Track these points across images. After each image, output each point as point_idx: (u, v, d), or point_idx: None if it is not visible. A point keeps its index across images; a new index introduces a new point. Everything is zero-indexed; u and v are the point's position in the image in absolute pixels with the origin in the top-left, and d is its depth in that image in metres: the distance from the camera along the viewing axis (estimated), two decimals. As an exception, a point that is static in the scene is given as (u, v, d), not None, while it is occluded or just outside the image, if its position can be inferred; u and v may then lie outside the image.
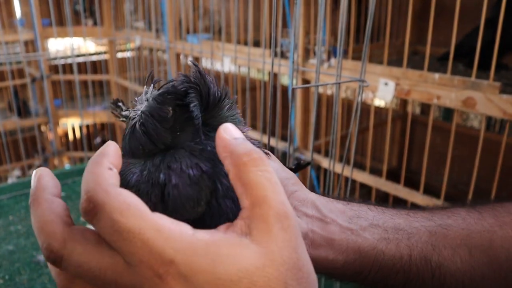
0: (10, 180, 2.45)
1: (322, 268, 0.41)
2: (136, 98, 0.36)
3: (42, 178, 0.30)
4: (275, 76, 2.29)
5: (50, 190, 0.30)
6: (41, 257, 1.16)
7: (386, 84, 1.35)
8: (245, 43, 1.97)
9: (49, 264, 0.29)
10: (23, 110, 3.05)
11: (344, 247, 0.40)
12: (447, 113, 2.38)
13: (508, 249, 0.43)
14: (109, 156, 0.29)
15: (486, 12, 1.21)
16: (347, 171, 1.45)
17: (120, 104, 0.41)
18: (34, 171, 0.31)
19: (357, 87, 0.84)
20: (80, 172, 1.69)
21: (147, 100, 0.34)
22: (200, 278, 0.25)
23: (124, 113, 0.41)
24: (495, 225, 0.45)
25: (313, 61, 1.62)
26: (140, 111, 0.33)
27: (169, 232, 0.26)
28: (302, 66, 1.64)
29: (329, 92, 2.49)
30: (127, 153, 0.33)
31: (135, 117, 0.34)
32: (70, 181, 1.65)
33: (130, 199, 0.26)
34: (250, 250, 0.26)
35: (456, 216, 0.45)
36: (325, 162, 1.71)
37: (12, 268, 1.13)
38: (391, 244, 0.41)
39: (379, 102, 2.37)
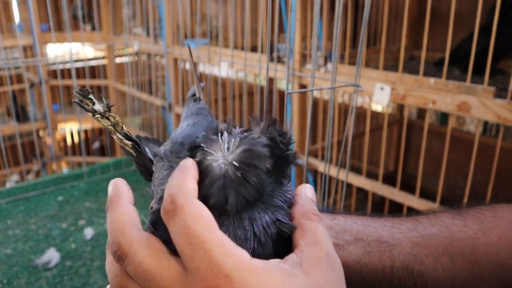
0: (8, 185, 2.44)
1: None
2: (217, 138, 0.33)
3: (120, 186, 0.33)
4: (271, 81, 2.30)
5: (126, 197, 0.33)
6: (39, 261, 1.17)
7: (382, 88, 1.36)
8: (242, 48, 1.99)
9: (110, 263, 0.31)
10: (21, 115, 3.06)
11: None
12: (444, 117, 2.39)
13: (490, 255, 0.45)
14: (192, 170, 0.31)
15: (481, 18, 1.23)
16: (343, 175, 1.46)
17: (91, 96, 0.41)
18: (111, 181, 0.34)
19: (353, 92, 0.85)
20: (78, 177, 1.70)
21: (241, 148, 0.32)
22: None
23: (96, 107, 0.41)
24: (479, 232, 0.46)
25: (309, 66, 1.63)
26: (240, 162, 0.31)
27: (230, 250, 0.27)
28: (299, 71, 1.65)
29: (326, 97, 2.50)
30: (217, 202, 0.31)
31: (224, 166, 0.31)
32: (68, 185, 1.65)
33: (205, 212, 0.29)
34: (300, 280, 0.28)
35: (440, 225, 0.46)
36: (322, 166, 1.72)
37: (10, 271, 1.13)
38: (374, 257, 0.44)
39: (375, 106, 2.38)
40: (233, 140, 0.32)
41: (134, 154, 0.43)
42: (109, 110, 0.42)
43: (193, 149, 0.33)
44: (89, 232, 1.30)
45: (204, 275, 0.27)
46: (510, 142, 2.03)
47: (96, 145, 3.80)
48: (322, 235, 0.31)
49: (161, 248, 0.30)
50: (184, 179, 0.30)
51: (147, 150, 0.44)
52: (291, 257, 0.30)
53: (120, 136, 0.42)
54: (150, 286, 0.29)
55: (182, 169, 0.31)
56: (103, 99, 0.42)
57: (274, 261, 0.30)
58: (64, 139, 3.69)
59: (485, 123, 2.26)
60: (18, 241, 1.28)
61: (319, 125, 1.92)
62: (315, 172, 1.85)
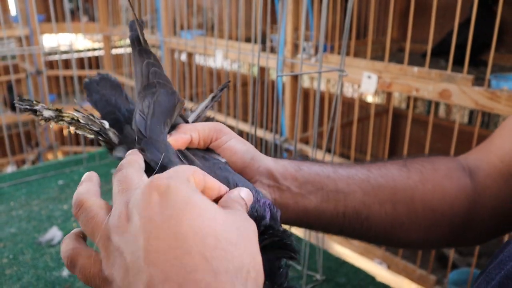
0: (9, 169, 2.50)
1: (280, 223, 0.52)
2: None
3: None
4: (264, 71, 2.35)
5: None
6: (42, 239, 1.23)
7: (369, 77, 1.43)
8: (237, 39, 2.04)
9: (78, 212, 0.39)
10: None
11: (295, 210, 0.52)
12: (430, 107, 2.47)
13: (425, 201, 0.55)
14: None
15: (467, 12, 1.30)
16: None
17: (37, 108, 0.41)
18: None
19: (338, 78, 0.91)
20: (77, 162, 1.76)
21: None
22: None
23: (46, 114, 0.41)
24: (419, 182, 0.56)
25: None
26: None
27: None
28: (291, 66, 1.72)
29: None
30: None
31: None
32: (68, 170, 1.71)
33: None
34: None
35: (388, 176, 0.56)
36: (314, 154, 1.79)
37: (15, 248, 1.19)
38: (331, 205, 0.53)
39: (365, 96, 2.45)
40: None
41: (101, 140, 0.45)
42: (61, 112, 0.43)
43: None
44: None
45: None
46: (493, 130, 2.11)
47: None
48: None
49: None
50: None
51: (110, 135, 0.45)
52: None
53: (83, 132, 0.44)
54: (92, 227, 0.36)
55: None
56: (49, 104, 0.44)
57: None
58: (61, 129, 3.73)
59: (471, 113, 2.34)
60: (22, 221, 1.34)
61: (311, 114, 1.99)
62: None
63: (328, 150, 1.05)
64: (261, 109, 2.29)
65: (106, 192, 1.37)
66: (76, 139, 3.73)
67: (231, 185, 0.39)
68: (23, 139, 3.03)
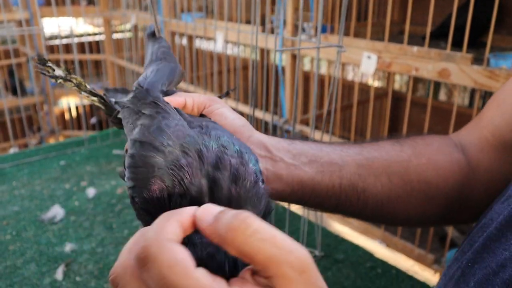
0: (12, 150, 2.52)
1: (275, 197, 0.51)
2: None
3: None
4: (264, 53, 2.35)
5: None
6: (45, 216, 1.24)
7: (369, 57, 1.43)
8: (237, 21, 2.04)
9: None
10: (19, 90, 3.10)
11: (290, 180, 0.50)
12: (433, 90, 2.47)
13: (420, 174, 0.55)
14: (181, 215, 0.30)
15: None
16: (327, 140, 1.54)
17: (49, 64, 0.44)
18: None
19: (337, 54, 0.92)
20: (79, 144, 1.77)
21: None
22: None
23: (57, 73, 0.44)
24: (412, 155, 0.55)
25: (302, 37, 1.69)
26: None
27: None
28: (291, 42, 1.71)
29: (319, 69, 2.56)
30: None
31: None
32: (69, 151, 1.72)
33: (181, 255, 0.28)
34: None
35: (381, 150, 0.55)
36: (314, 135, 1.80)
37: (18, 225, 1.21)
38: (326, 176, 0.51)
39: (365, 78, 2.45)
40: None
41: (102, 107, 0.46)
42: (69, 73, 0.45)
43: None
44: (91, 192, 1.38)
45: None
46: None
47: (93, 120, 3.85)
48: (267, 248, 0.27)
49: None
50: (163, 223, 0.29)
51: (112, 101, 0.47)
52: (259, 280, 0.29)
53: (86, 94, 0.45)
54: None
55: (167, 214, 0.30)
56: (61, 64, 0.47)
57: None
58: (62, 114, 3.74)
59: (471, 96, 2.34)
60: (24, 199, 1.35)
61: (311, 97, 1.99)
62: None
63: (328, 132, 1.06)
64: (261, 90, 2.29)
65: (108, 172, 1.41)
66: (77, 124, 3.74)
67: (223, 142, 0.38)
68: (25, 123, 3.05)
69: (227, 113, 0.50)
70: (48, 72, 0.44)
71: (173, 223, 0.29)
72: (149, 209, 0.36)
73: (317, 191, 0.51)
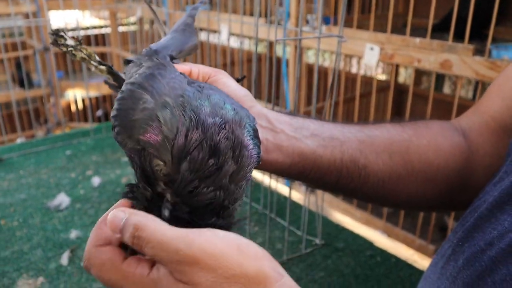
0: (19, 140, 2.55)
1: (274, 169, 0.51)
2: None
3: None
4: (270, 45, 2.36)
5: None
6: (51, 204, 1.27)
7: (372, 49, 1.44)
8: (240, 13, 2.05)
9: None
10: (27, 82, 3.14)
11: (290, 152, 0.49)
12: (437, 83, 2.46)
13: (421, 154, 0.55)
14: (100, 223, 0.37)
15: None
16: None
17: (62, 33, 0.46)
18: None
19: (337, 44, 0.92)
20: (84, 134, 1.79)
21: None
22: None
23: (68, 42, 0.46)
24: (413, 136, 0.56)
25: (305, 28, 1.70)
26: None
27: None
28: (294, 33, 1.72)
29: (323, 62, 2.57)
30: None
31: None
32: (75, 141, 1.75)
33: (105, 255, 0.35)
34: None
35: (382, 129, 0.56)
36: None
37: (25, 212, 1.24)
38: (327, 150, 0.51)
39: (373, 74, 2.44)
40: None
41: (110, 77, 0.48)
42: (80, 44, 0.47)
43: None
44: (96, 181, 1.40)
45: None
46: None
47: (99, 112, 3.89)
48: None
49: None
50: (92, 233, 0.37)
51: (119, 72, 0.48)
52: None
53: (95, 64, 0.47)
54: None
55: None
56: (74, 36, 0.49)
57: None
58: (69, 106, 3.77)
59: (475, 89, 2.33)
60: (31, 188, 1.38)
61: (314, 88, 2.00)
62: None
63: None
64: (264, 82, 2.30)
65: (113, 162, 1.43)
66: (84, 116, 3.77)
67: (216, 100, 0.38)
68: (32, 115, 3.08)
69: (230, 82, 0.50)
70: (61, 42, 0.45)
71: (96, 230, 0.36)
72: (124, 139, 0.36)
73: (318, 165, 0.51)
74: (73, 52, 0.46)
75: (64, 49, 0.46)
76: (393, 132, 0.55)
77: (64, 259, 1.03)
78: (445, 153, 0.56)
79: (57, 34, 0.45)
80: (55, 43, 0.46)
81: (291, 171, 0.51)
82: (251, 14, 2.11)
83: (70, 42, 0.46)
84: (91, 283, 0.96)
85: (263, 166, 0.49)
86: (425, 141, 0.55)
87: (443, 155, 0.56)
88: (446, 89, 2.48)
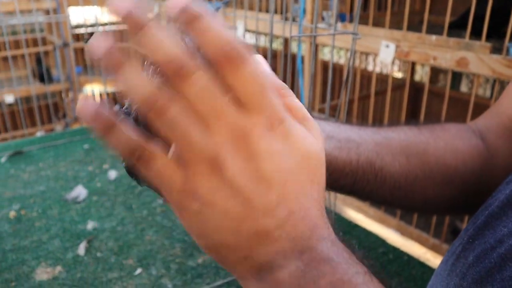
0: (39, 134, 2.61)
1: None
2: None
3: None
4: (286, 41, 2.36)
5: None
6: (69, 196, 1.30)
7: (387, 46, 1.43)
8: (259, 11, 2.06)
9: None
10: (46, 77, 3.20)
11: None
12: (453, 81, 2.43)
13: (438, 156, 0.54)
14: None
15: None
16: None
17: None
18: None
19: (352, 41, 0.93)
20: (102, 129, 1.83)
21: None
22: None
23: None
24: (430, 138, 0.55)
25: (321, 25, 1.70)
26: None
27: None
28: (310, 30, 1.72)
29: (340, 61, 2.56)
30: None
31: None
32: (93, 135, 1.79)
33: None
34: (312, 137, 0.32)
35: (399, 131, 0.55)
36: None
37: (44, 204, 1.27)
38: (343, 152, 0.50)
39: (385, 70, 2.43)
40: None
41: None
42: None
43: None
44: (112, 174, 1.43)
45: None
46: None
47: (117, 107, 3.94)
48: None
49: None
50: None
51: None
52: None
53: None
54: (212, 107, 0.26)
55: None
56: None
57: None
58: (87, 101, 3.82)
59: (492, 87, 2.30)
60: (50, 180, 1.42)
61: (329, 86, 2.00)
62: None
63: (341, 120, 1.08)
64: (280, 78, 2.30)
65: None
66: (101, 111, 3.82)
67: None
68: (52, 110, 3.14)
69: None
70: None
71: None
72: None
73: (334, 166, 0.50)
74: None
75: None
76: (410, 134, 0.55)
77: (81, 249, 1.05)
78: (463, 156, 0.55)
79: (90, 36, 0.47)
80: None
81: None
82: (267, 11, 2.11)
83: None
84: (106, 273, 0.98)
85: None
86: (443, 143, 0.55)
87: (460, 157, 0.55)
88: (464, 87, 2.45)
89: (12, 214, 1.20)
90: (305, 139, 0.31)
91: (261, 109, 0.27)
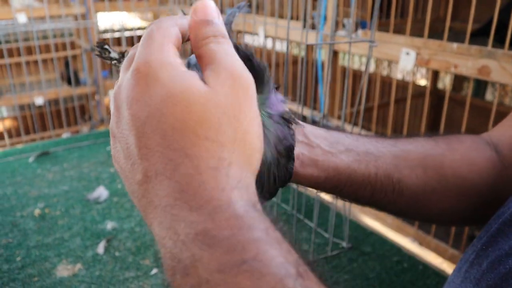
0: (64, 135, 2.69)
1: (309, 183, 0.52)
2: None
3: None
4: (308, 49, 2.37)
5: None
6: (90, 196, 1.34)
7: (407, 53, 1.42)
8: (281, 18, 2.07)
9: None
10: (74, 80, 3.29)
11: (325, 166, 0.50)
12: (478, 89, 2.39)
13: (455, 169, 0.55)
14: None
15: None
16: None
17: (106, 47, 0.48)
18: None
19: (369, 48, 0.93)
20: (125, 131, 1.88)
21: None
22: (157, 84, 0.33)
23: (112, 55, 0.48)
24: (447, 150, 0.56)
25: (341, 32, 1.70)
26: None
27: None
28: (331, 37, 1.73)
29: (356, 66, 2.55)
30: None
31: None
32: (115, 138, 1.84)
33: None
34: (200, 83, 0.33)
35: (416, 143, 0.56)
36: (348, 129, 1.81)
37: (67, 203, 1.31)
38: (362, 165, 0.51)
39: (415, 79, 2.41)
40: None
41: None
42: (123, 57, 0.48)
43: None
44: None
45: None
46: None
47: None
48: (216, 51, 0.35)
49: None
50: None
51: None
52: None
53: None
54: None
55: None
56: (117, 48, 0.51)
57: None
58: (112, 104, 3.91)
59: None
60: (73, 180, 1.46)
61: (348, 93, 2.00)
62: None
63: (363, 127, 1.08)
64: (298, 85, 2.31)
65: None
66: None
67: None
68: (78, 112, 3.23)
69: None
70: (105, 54, 0.48)
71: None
72: None
73: (353, 179, 0.51)
74: (117, 64, 0.48)
75: (109, 61, 0.48)
76: (427, 147, 0.56)
77: (101, 248, 1.09)
78: (478, 168, 0.56)
79: (101, 47, 0.48)
80: (99, 55, 0.48)
81: (325, 185, 0.51)
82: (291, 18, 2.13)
83: (114, 54, 0.48)
84: (123, 272, 1.01)
85: (298, 179, 0.50)
86: (459, 156, 0.55)
87: (477, 169, 0.56)
88: (489, 95, 2.40)
89: (37, 212, 1.25)
90: (173, 83, 0.33)
91: (134, 60, 0.35)
